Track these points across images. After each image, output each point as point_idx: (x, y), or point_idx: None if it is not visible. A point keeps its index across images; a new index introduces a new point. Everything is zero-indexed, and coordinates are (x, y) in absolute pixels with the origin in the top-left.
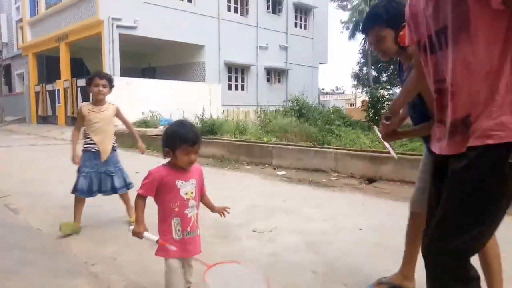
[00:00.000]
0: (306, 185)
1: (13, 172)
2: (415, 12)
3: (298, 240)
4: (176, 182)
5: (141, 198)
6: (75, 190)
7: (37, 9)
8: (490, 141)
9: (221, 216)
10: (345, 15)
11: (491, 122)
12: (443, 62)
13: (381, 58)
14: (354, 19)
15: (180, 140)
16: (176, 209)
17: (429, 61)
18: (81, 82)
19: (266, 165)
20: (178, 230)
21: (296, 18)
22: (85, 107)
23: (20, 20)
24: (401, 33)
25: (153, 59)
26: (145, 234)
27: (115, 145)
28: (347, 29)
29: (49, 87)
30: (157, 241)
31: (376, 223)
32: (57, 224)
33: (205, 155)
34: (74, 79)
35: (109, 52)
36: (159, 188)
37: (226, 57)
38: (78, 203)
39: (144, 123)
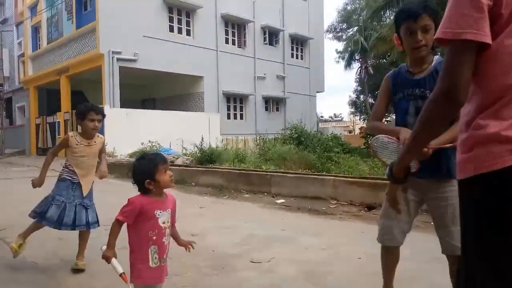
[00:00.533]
0: (305, 213)
1: (11, 205)
2: None
3: (297, 270)
4: (155, 212)
5: (119, 224)
6: (42, 218)
7: (39, 44)
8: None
9: (187, 250)
10: (340, 46)
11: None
12: None
13: (417, 52)
14: (349, 49)
15: (156, 165)
16: (154, 238)
17: None
18: None
19: (265, 194)
20: (155, 258)
21: (292, 49)
22: (74, 138)
23: (22, 55)
24: None
25: (153, 90)
26: (113, 260)
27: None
28: (343, 58)
29: (50, 119)
30: (121, 274)
31: (375, 252)
32: (53, 257)
33: (204, 184)
34: (74, 111)
35: (109, 84)
36: (137, 217)
37: (225, 87)
38: (36, 227)
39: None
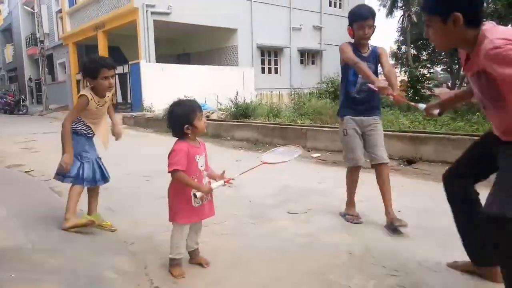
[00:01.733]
0: (341, 167)
1: (58, 157)
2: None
3: (334, 221)
4: (195, 157)
5: (181, 173)
6: (80, 180)
7: None
8: None
9: (225, 185)
10: None
11: None
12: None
13: (364, 40)
14: None
15: (194, 111)
16: (196, 180)
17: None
18: (119, 69)
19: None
20: (197, 198)
21: None
22: (93, 100)
23: (60, 11)
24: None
25: (187, 45)
26: (213, 185)
27: None
28: (384, 6)
29: None
30: (224, 183)
31: (416, 205)
32: (99, 204)
33: (239, 138)
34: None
35: (144, 39)
36: None
37: (259, 40)
38: (78, 194)
39: None
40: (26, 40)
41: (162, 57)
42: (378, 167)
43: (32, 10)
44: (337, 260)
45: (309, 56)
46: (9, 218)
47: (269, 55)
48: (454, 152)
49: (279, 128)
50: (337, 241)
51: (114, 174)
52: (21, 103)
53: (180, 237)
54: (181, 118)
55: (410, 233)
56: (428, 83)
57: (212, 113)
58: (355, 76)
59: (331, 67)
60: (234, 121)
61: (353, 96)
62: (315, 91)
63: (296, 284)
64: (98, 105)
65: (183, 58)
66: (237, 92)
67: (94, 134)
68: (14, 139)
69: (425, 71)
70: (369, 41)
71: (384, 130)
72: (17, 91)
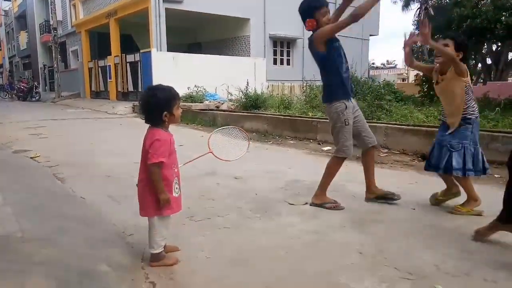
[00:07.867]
0: (353, 162)
1: (65, 144)
2: None
3: (343, 218)
4: (174, 146)
5: (160, 166)
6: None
7: None
8: None
9: None
10: None
11: None
12: None
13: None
14: None
15: (173, 99)
16: (176, 170)
17: None
18: (130, 57)
19: (311, 141)
20: (177, 188)
21: None
22: None
23: None
24: None
25: (199, 34)
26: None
27: None
28: None
29: (101, 63)
30: None
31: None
32: (101, 192)
33: (249, 130)
34: (123, 55)
35: (156, 27)
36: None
37: (271, 30)
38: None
39: (189, 98)
40: (40, 27)
41: (173, 46)
42: (370, 150)
43: None
44: (346, 260)
45: None
46: (5, 205)
47: (282, 46)
48: None
49: (289, 120)
50: (347, 240)
51: (118, 162)
52: (34, 90)
53: (166, 228)
54: (161, 104)
55: (426, 232)
56: None
57: (222, 103)
58: (341, 56)
59: None
60: (244, 112)
61: (344, 76)
62: None
63: (301, 285)
64: None
65: (195, 47)
66: (247, 83)
67: None
68: (25, 124)
69: None
70: None
71: (399, 125)
72: (31, 78)
